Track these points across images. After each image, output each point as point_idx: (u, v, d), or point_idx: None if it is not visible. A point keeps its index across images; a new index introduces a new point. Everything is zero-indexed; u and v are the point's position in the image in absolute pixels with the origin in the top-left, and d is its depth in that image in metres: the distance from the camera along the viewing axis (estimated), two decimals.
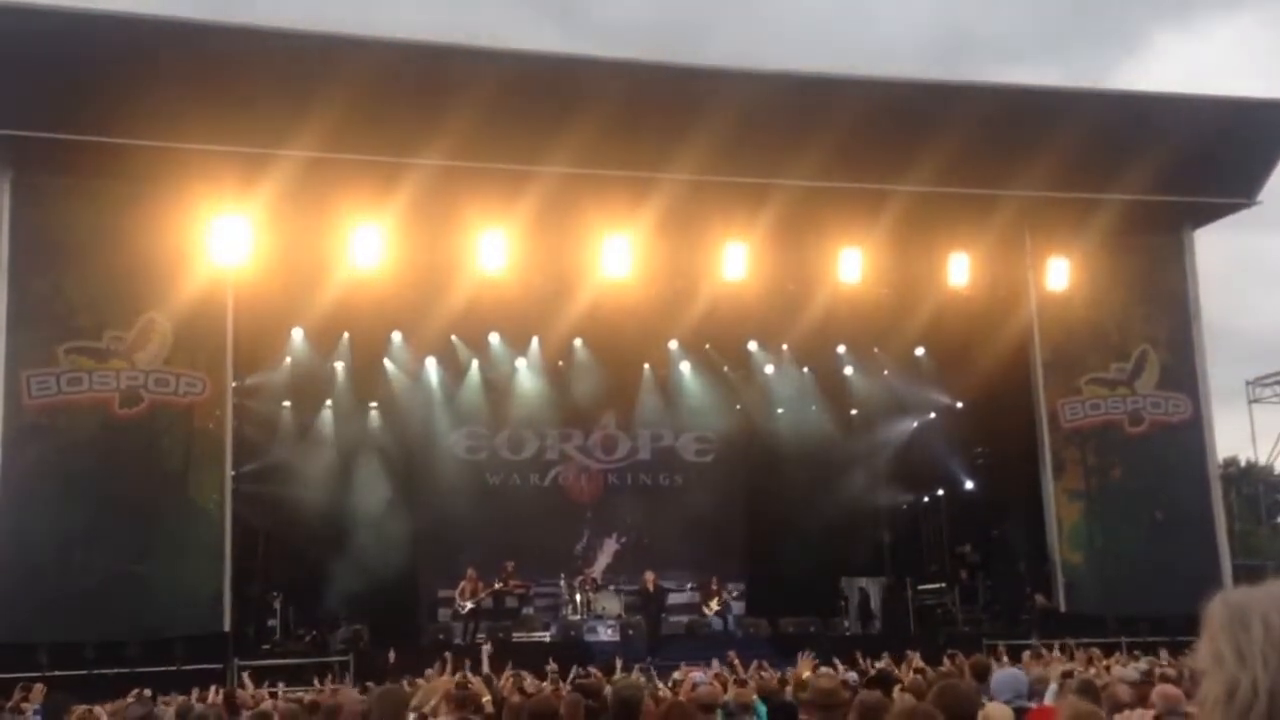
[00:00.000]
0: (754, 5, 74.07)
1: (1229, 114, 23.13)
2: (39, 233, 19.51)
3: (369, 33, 19.93)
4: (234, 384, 20.62)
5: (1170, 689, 7.21)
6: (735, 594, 26.12)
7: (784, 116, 20.20)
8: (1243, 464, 39.95)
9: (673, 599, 26.18)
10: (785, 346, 27.10)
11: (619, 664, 15.75)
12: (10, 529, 18.51)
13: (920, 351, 26.54)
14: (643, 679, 14.04)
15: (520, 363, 26.87)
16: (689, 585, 27.04)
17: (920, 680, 10.65)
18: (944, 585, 27.12)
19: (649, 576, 24.72)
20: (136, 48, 18.35)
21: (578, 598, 25.25)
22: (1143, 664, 12.65)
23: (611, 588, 26.07)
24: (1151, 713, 3.33)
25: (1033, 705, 7.78)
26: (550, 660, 15.33)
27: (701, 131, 20.10)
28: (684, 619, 25.73)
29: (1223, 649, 1.85)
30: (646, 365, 27.96)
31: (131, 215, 19.82)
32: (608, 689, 10.48)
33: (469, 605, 23.21)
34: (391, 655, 16.11)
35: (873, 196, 21.29)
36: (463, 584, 23.58)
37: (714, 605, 25.33)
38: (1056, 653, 16.29)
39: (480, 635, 22.87)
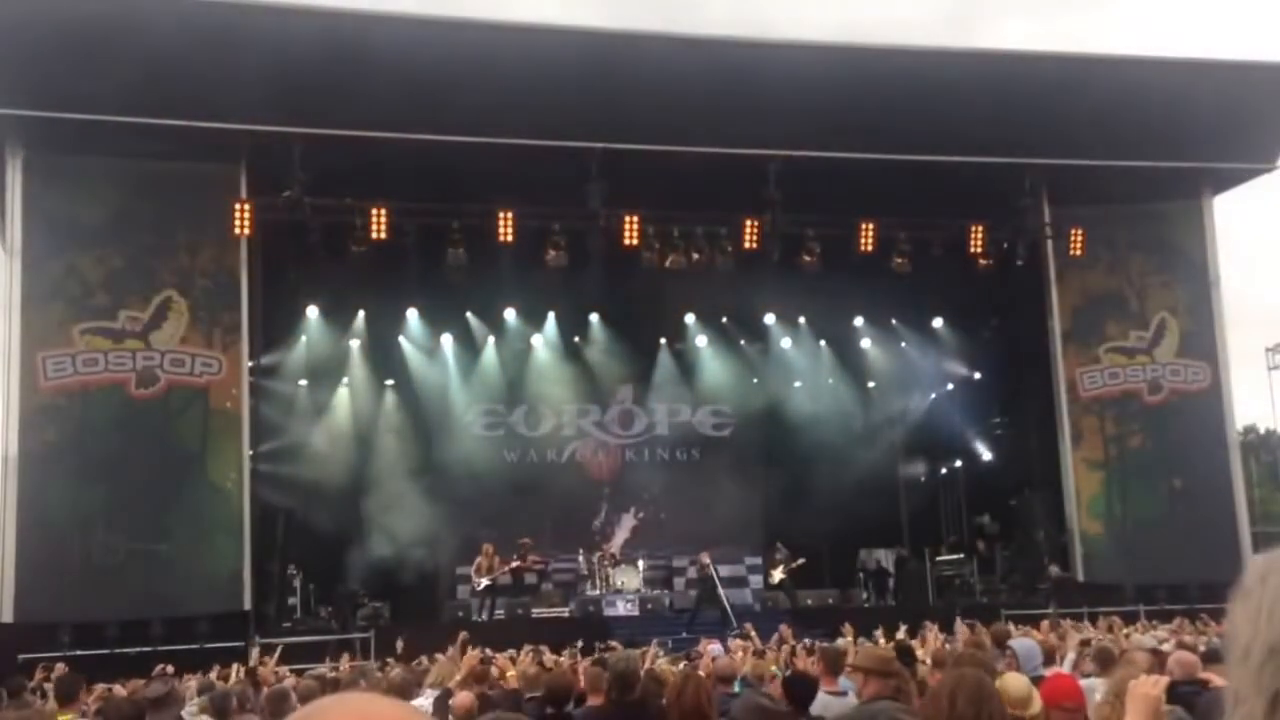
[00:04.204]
0: None
1: (1249, 78, 22.88)
2: (52, 213, 19.55)
3: (385, 9, 19.90)
4: (250, 363, 20.64)
5: (1186, 655, 7.16)
6: (801, 560, 25.27)
7: (796, 87, 20.05)
8: (1262, 431, 39.74)
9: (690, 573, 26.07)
10: (802, 319, 27.04)
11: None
12: (30, 510, 18.62)
13: (938, 322, 26.45)
14: (660, 651, 14.11)
15: (536, 339, 26.87)
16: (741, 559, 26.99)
17: (943, 649, 10.65)
18: (962, 556, 27.07)
19: (704, 556, 24.12)
20: (149, 24, 18.26)
21: (596, 573, 25.28)
22: (1161, 632, 12.62)
23: (637, 561, 26.09)
24: (1166, 679, 3.29)
25: (1045, 673, 7.74)
26: (573, 637, 15.44)
27: (715, 103, 20.04)
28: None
29: None
30: (663, 340, 27.91)
31: (146, 194, 19.88)
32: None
33: (485, 581, 23.22)
34: (400, 645, 16.08)
35: (890, 166, 21.15)
36: (478, 560, 23.55)
37: (778, 574, 24.94)
38: (1084, 621, 16.29)
39: (499, 612, 22.95)
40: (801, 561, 24.95)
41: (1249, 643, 1.75)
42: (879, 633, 15.03)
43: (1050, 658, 9.69)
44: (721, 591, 23.04)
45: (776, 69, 20.25)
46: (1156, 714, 3.19)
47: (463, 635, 13.61)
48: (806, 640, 15.63)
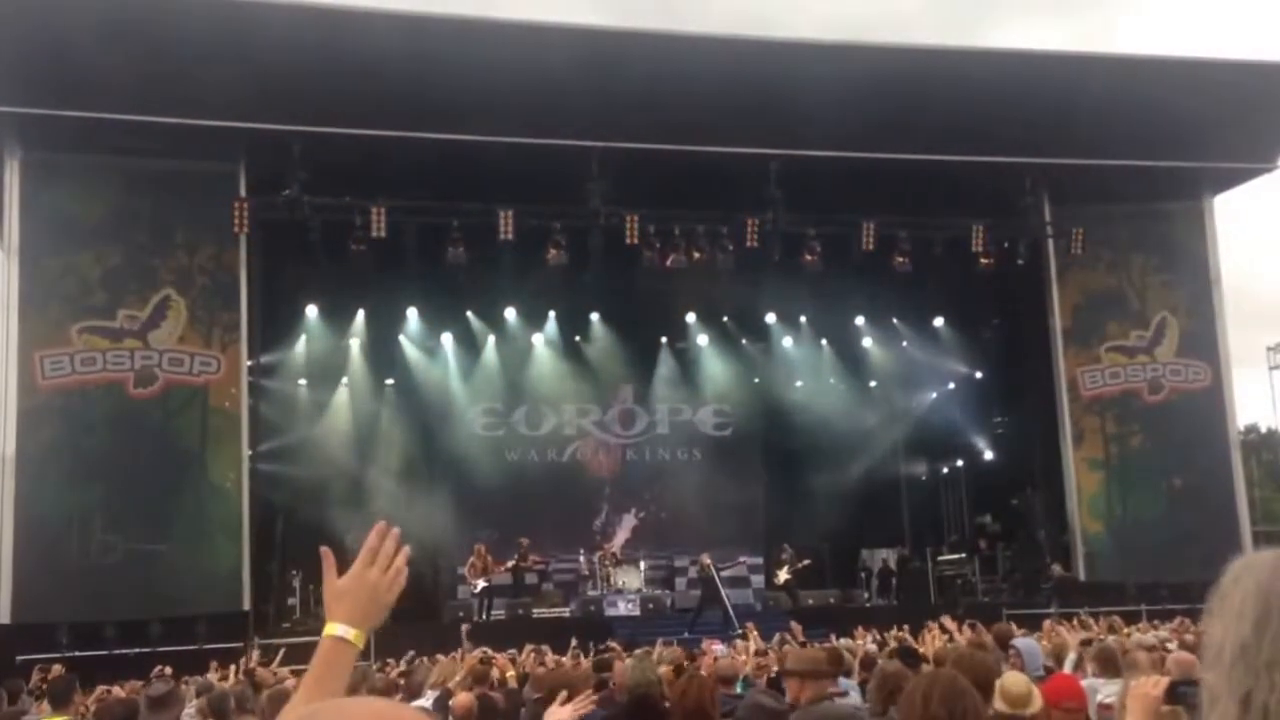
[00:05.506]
0: None
1: (1249, 78, 22.84)
2: (50, 211, 19.53)
3: (385, 8, 19.84)
4: (249, 363, 20.61)
5: (1184, 655, 7.13)
6: (806, 561, 25.18)
7: (797, 86, 20.01)
8: (1263, 431, 39.72)
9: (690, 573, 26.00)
10: (803, 318, 27.01)
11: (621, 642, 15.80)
12: (28, 509, 18.59)
13: (939, 322, 26.42)
14: (663, 650, 14.05)
15: (537, 338, 26.83)
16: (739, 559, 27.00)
17: (945, 649, 10.61)
18: (964, 556, 27.05)
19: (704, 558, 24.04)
20: (147, 22, 18.24)
21: (597, 573, 25.25)
22: (1163, 631, 12.58)
23: (638, 561, 26.05)
24: (1166, 680, 3.25)
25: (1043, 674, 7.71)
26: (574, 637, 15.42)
27: (716, 102, 20.00)
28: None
29: None
30: (664, 339, 27.87)
31: (144, 193, 19.87)
32: (627, 662, 10.47)
33: (480, 583, 23.13)
34: (410, 653, 16.05)
35: (890, 166, 21.12)
36: (471, 560, 23.44)
37: (783, 574, 24.88)
38: (1085, 619, 16.26)
39: (498, 612, 22.88)
40: (807, 563, 24.93)
41: (1222, 642, 1.74)
42: (893, 633, 15.01)
43: (1058, 662, 9.66)
44: (724, 592, 22.98)
45: (777, 68, 20.22)
46: (1156, 714, 3.16)
47: (465, 627, 13.57)
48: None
